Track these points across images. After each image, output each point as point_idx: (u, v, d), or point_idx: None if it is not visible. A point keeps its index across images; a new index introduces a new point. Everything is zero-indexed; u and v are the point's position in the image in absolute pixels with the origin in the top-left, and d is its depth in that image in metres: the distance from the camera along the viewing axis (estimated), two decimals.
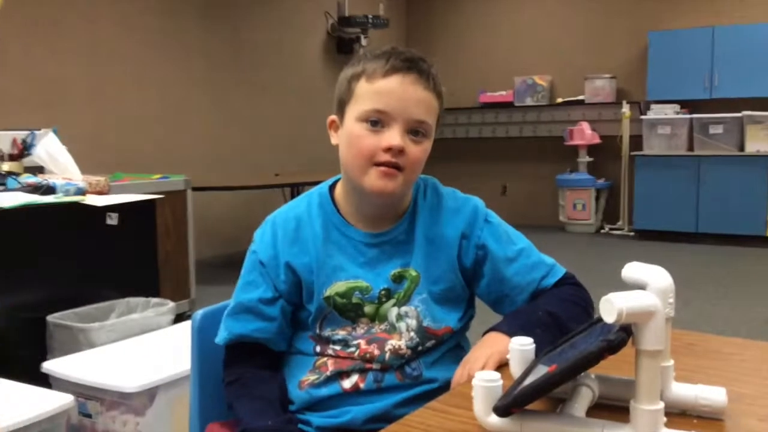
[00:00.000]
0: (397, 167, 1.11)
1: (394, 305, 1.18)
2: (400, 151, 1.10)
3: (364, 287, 1.17)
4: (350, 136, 1.14)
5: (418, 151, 1.13)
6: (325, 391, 1.16)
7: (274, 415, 1.12)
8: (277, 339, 1.20)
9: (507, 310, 1.22)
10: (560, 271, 1.24)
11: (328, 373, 1.16)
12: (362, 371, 1.16)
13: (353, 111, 1.14)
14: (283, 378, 1.21)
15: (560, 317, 1.14)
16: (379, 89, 1.11)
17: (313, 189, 1.25)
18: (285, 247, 1.19)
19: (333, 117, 1.20)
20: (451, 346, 1.22)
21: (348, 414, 1.14)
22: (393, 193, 1.13)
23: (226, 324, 1.20)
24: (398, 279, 1.18)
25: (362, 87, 1.13)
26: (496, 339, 1.11)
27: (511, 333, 1.07)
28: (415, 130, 1.12)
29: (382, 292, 1.17)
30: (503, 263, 1.20)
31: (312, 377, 1.17)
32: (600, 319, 0.82)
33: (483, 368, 1.03)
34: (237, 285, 1.23)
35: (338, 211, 1.21)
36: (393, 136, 1.10)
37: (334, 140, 1.20)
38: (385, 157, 1.11)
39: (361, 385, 1.15)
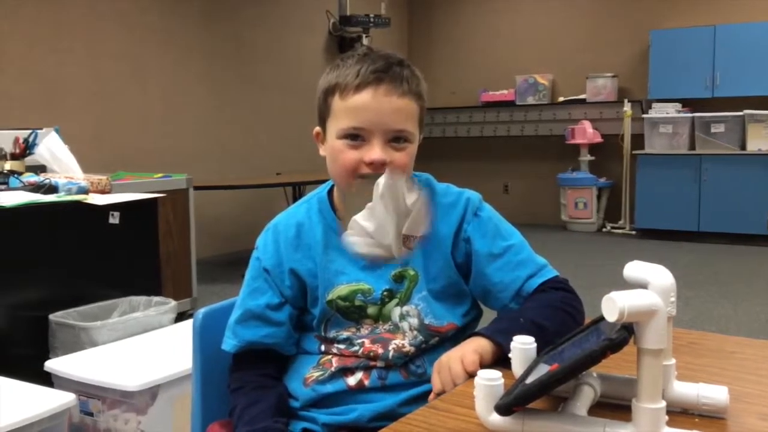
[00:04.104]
0: None
1: (397, 305, 1.18)
2: (383, 164, 1.10)
3: (366, 290, 1.18)
4: (333, 151, 1.15)
5: (402, 156, 1.13)
6: (330, 388, 1.16)
7: (265, 422, 1.12)
8: (286, 343, 1.21)
9: (494, 306, 1.20)
10: (550, 272, 1.20)
11: (332, 370, 1.17)
12: (366, 368, 1.16)
13: (332, 127, 1.14)
14: (284, 385, 1.21)
15: (543, 325, 1.08)
16: (353, 106, 1.11)
17: (312, 194, 1.26)
18: (288, 253, 1.20)
19: (318, 129, 1.21)
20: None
21: (354, 412, 1.14)
22: None
23: (235, 331, 1.20)
24: (399, 279, 1.18)
25: (337, 104, 1.13)
26: (470, 340, 1.08)
27: (489, 336, 1.06)
28: (396, 138, 1.12)
29: (385, 293, 1.18)
30: (485, 258, 1.18)
31: (316, 374, 1.18)
32: (601, 318, 0.82)
33: (452, 372, 1.02)
34: (241, 292, 1.23)
35: (337, 215, 1.21)
36: (374, 151, 1.10)
37: (322, 151, 1.21)
38: (368, 171, 1.11)
39: (366, 383, 1.15)
